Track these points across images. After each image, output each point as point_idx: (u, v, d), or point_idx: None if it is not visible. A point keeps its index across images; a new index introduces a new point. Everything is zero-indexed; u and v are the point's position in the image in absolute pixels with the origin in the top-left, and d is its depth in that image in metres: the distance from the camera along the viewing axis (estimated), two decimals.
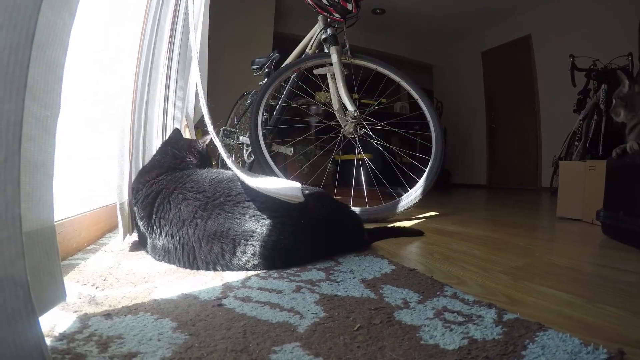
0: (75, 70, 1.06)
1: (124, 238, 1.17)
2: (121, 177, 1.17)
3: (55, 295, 0.53)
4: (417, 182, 1.95)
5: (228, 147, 3.01)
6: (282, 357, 0.49)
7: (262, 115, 2.00)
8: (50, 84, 0.50)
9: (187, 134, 2.64)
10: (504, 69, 6.27)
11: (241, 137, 2.62)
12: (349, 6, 1.98)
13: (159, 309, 0.66)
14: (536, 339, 0.53)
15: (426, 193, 1.91)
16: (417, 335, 0.55)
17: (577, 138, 3.95)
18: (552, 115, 5.41)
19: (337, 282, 0.83)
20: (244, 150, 2.71)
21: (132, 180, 1.17)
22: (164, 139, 1.74)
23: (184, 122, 2.52)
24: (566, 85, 4.11)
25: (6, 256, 0.39)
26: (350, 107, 1.87)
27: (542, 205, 3.14)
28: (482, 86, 6.71)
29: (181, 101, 2.22)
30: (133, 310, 0.65)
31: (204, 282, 0.84)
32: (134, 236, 1.24)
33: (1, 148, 0.39)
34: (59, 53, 0.50)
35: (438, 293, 0.75)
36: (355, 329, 0.58)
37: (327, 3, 1.99)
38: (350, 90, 1.96)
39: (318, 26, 2.19)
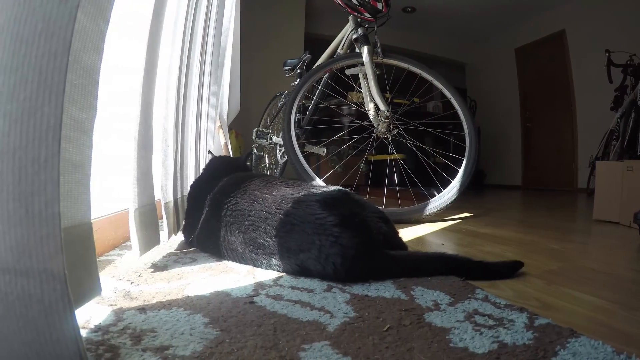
0: (115, 74, 1.11)
1: (169, 237, 1.19)
2: (165, 177, 1.20)
3: (91, 289, 0.55)
4: (451, 182, 1.91)
5: (261, 148, 3.06)
6: (311, 355, 0.49)
7: (295, 115, 2.01)
8: (87, 88, 0.52)
9: (220, 135, 2.69)
10: (538, 66, 6.04)
11: (274, 138, 2.65)
12: (379, 5, 1.96)
13: (191, 304, 0.68)
14: (567, 345, 0.51)
15: (460, 194, 1.87)
16: (447, 337, 0.54)
17: (614, 137, 3.76)
18: (589, 114, 5.16)
19: (369, 282, 0.83)
20: (277, 151, 2.74)
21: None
22: (198, 140, 1.79)
23: (218, 124, 2.57)
24: (602, 81, 3.95)
25: (45, 251, 0.40)
26: (382, 106, 1.86)
27: (578, 207, 3.03)
28: (516, 84, 6.48)
29: (215, 102, 2.28)
30: (166, 305, 0.67)
31: (237, 279, 0.85)
32: (180, 236, 1.28)
33: (41, 149, 0.41)
34: (95, 58, 0.53)
35: (469, 296, 0.73)
36: (385, 329, 0.57)
37: (357, 3, 1.98)
38: (382, 89, 1.95)
39: (349, 26, 2.19)
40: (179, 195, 1.31)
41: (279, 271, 0.91)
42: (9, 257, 0.39)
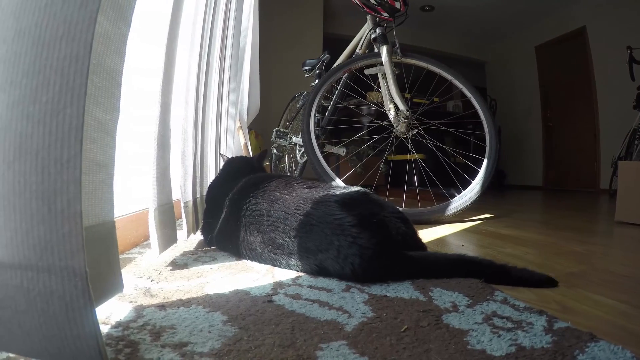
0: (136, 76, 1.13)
1: (188, 236, 1.21)
2: (185, 177, 1.22)
3: (113, 286, 0.57)
4: (471, 183, 1.88)
5: (281, 148, 3.08)
6: (328, 355, 0.49)
7: (315, 116, 2.02)
8: (110, 90, 0.54)
9: (240, 136, 2.72)
10: (559, 64, 5.87)
11: (294, 138, 2.66)
12: (397, 4, 1.95)
13: (210, 302, 0.69)
14: (586, 350, 0.50)
15: (480, 195, 1.84)
16: (464, 339, 0.54)
17: (637, 136, 3.64)
18: (611, 112, 4.98)
19: (387, 283, 0.83)
20: (297, 151, 2.75)
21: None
22: (218, 141, 1.81)
23: (238, 124, 2.60)
24: (624, 79, 3.81)
25: (67, 249, 0.42)
26: (402, 106, 1.84)
27: (600, 209, 2.95)
28: (536, 82, 6.31)
29: (234, 103, 2.30)
30: (186, 302, 0.69)
31: (256, 278, 0.86)
32: (199, 235, 1.30)
33: (64, 150, 0.42)
34: (117, 61, 0.54)
35: (488, 298, 0.72)
36: (403, 330, 0.57)
37: (375, 2, 1.97)
38: (401, 89, 1.93)
39: (367, 26, 2.18)
40: (197, 195, 1.33)
41: (297, 271, 0.92)
42: (32, 254, 0.41)
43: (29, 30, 0.40)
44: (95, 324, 0.41)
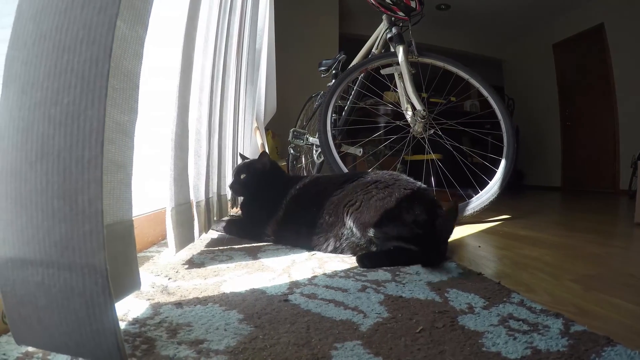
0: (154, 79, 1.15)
1: (199, 235, 1.24)
2: (198, 177, 1.23)
3: (131, 283, 0.58)
4: (488, 183, 1.86)
5: (298, 148, 3.09)
6: (342, 354, 0.50)
7: (331, 116, 2.02)
8: (128, 92, 0.55)
9: (257, 136, 2.74)
10: (577, 62, 5.69)
11: (311, 138, 2.67)
12: (413, 4, 1.93)
13: (227, 301, 0.70)
14: (603, 354, 0.49)
15: (498, 195, 1.81)
16: (480, 341, 0.54)
17: None
18: (630, 111, 4.81)
19: (403, 283, 0.83)
20: (314, 151, 2.75)
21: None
22: (236, 141, 1.83)
23: (255, 124, 2.62)
24: None
25: (88, 247, 0.43)
26: (418, 106, 1.83)
27: (620, 210, 2.88)
28: (554, 81, 6.14)
29: (251, 104, 2.32)
30: (202, 301, 0.70)
31: (272, 278, 0.87)
32: (211, 233, 1.32)
33: (85, 151, 0.43)
34: (135, 63, 0.55)
35: (504, 299, 0.71)
36: (418, 331, 0.57)
37: (390, 2, 1.96)
38: (418, 89, 1.91)
39: (383, 25, 2.16)
40: (210, 195, 1.34)
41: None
42: (53, 252, 0.42)
43: (49, 34, 0.41)
44: (114, 320, 0.42)
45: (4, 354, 0.48)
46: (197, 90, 1.23)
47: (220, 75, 1.41)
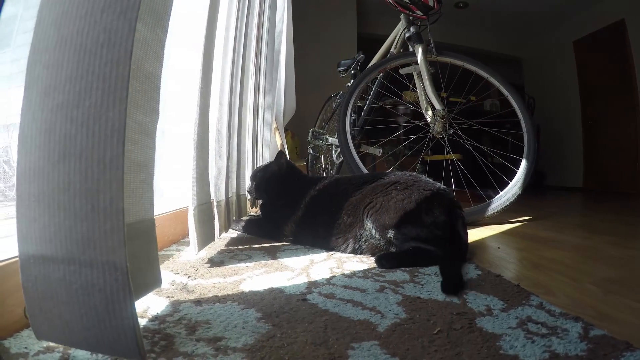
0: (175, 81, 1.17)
1: (219, 234, 1.25)
2: (218, 177, 1.25)
3: (152, 281, 0.59)
4: (509, 184, 1.82)
5: (317, 148, 3.10)
6: (359, 354, 0.50)
7: (350, 116, 2.01)
8: (149, 93, 0.56)
9: (277, 136, 2.75)
10: (599, 59, 5.48)
11: (330, 139, 2.67)
12: (431, 2, 1.91)
13: (245, 299, 0.71)
14: (622, 359, 0.48)
15: (518, 196, 1.77)
16: (497, 344, 0.53)
17: None
18: None
19: (421, 284, 0.82)
20: (333, 151, 2.75)
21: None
22: (255, 141, 1.85)
23: (274, 125, 2.64)
24: None
25: (109, 244, 0.44)
26: (438, 105, 1.81)
27: None
28: (575, 79, 5.94)
29: (270, 104, 2.33)
30: (221, 299, 0.71)
31: (291, 277, 0.87)
32: (230, 232, 1.33)
33: (107, 151, 0.44)
34: (156, 65, 0.56)
35: (523, 302, 0.70)
36: (435, 332, 0.57)
37: (408, 1, 1.94)
38: (437, 88, 1.89)
39: (401, 25, 2.15)
40: (230, 195, 1.35)
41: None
42: (75, 249, 0.43)
43: (70, 38, 0.42)
44: (134, 316, 0.43)
45: (26, 348, 0.50)
46: (217, 92, 1.25)
47: (240, 76, 1.43)
